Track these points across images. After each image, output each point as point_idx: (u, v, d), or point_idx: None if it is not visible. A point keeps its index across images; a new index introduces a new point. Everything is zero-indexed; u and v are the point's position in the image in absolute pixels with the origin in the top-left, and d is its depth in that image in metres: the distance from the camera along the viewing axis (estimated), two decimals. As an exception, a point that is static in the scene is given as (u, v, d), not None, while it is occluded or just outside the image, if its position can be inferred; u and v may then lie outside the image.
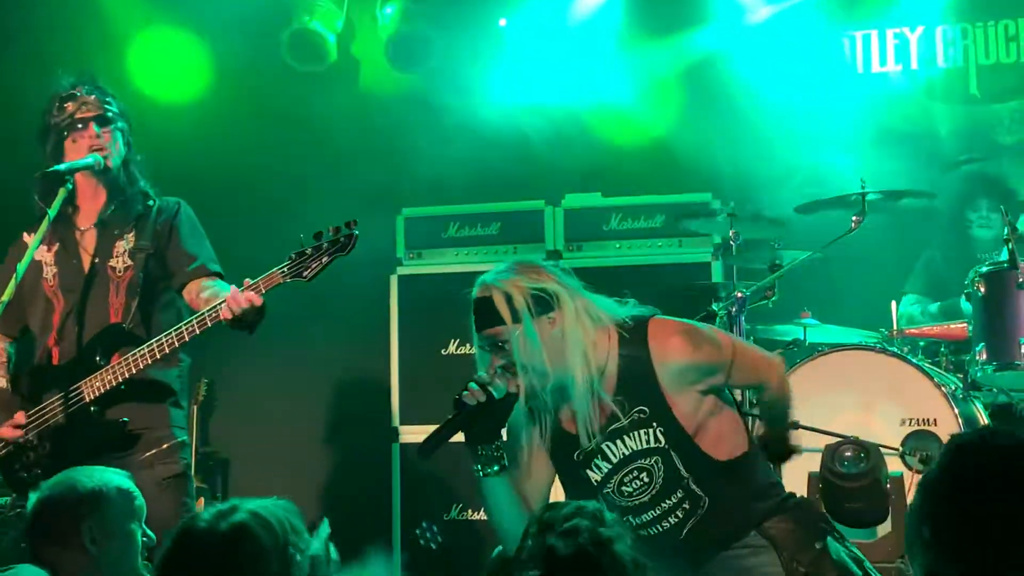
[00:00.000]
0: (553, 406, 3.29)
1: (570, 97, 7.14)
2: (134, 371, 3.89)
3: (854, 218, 5.32)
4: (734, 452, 3.34)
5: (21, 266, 3.89)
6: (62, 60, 6.64)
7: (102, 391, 3.91)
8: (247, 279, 3.80)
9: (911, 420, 5.02)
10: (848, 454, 4.42)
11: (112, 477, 3.13)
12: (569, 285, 3.27)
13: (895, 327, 5.41)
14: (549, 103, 7.01)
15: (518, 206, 6.60)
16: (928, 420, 4.99)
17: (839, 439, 4.55)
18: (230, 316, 3.74)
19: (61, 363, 4.03)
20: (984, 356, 5.05)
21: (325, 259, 3.80)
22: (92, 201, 4.16)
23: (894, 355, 5.15)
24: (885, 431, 4.97)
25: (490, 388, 3.17)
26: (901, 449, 4.90)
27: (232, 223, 6.13)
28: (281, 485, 6.36)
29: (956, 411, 4.94)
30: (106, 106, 4.12)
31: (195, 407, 6.47)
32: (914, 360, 5.14)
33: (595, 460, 3.33)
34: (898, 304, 5.70)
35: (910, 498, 3.95)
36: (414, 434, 6.39)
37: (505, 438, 3.35)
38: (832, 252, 5.53)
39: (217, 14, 6.95)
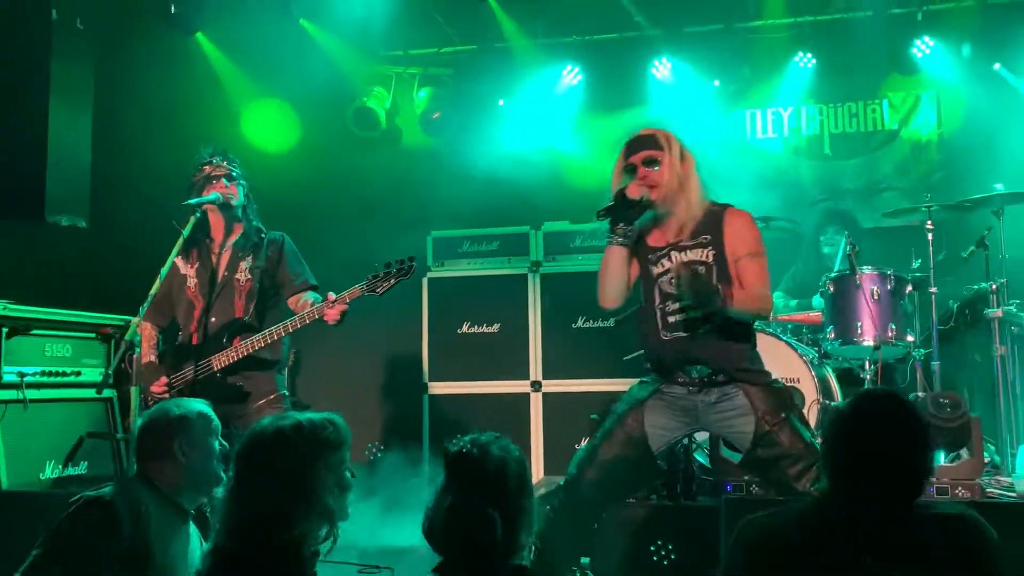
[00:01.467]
0: (652, 219, 3.40)
1: (549, 153, 7.17)
2: (251, 350, 3.95)
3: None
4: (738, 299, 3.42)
5: (164, 269, 3.91)
6: (200, 120, 6.78)
7: (226, 364, 3.97)
8: (331, 293, 3.88)
9: (783, 379, 4.83)
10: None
11: (194, 404, 2.97)
12: (696, 160, 3.45)
13: (771, 315, 5.34)
14: (534, 157, 7.02)
15: (511, 230, 6.60)
16: (794, 379, 4.95)
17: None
18: (333, 322, 3.87)
19: (198, 343, 4.06)
20: (833, 335, 5.05)
21: (393, 281, 3.86)
22: (221, 234, 4.20)
23: (770, 334, 5.12)
24: (764, 387, 5.01)
25: (644, 191, 3.31)
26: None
27: (312, 238, 6.16)
28: (346, 422, 6.51)
29: (813, 373, 4.92)
30: (231, 169, 4.17)
31: (287, 370, 6.53)
32: (784, 337, 5.13)
33: (662, 259, 3.44)
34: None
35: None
36: (439, 388, 6.49)
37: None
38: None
39: (304, 92, 7.02)
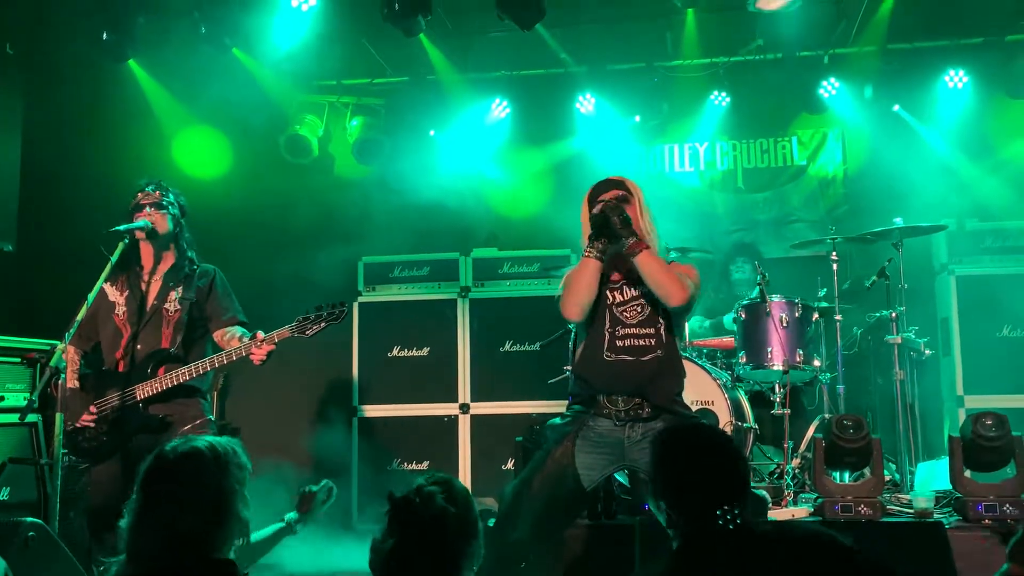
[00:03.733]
0: (619, 248, 3.40)
1: (478, 183, 7.17)
2: (176, 382, 3.85)
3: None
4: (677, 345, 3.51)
5: (91, 295, 3.81)
6: (131, 146, 6.63)
7: (150, 394, 3.86)
8: (259, 332, 3.81)
9: (698, 401, 5.01)
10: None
11: None
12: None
13: (687, 340, 5.48)
14: (463, 186, 6.99)
15: (441, 256, 6.68)
16: (708, 402, 5.00)
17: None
18: (258, 362, 3.80)
19: (123, 372, 3.94)
20: (744, 359, 5.14)
21: (323, 324, 3.81)
22: (152, 262, 4.09)
23: (686, 358, 4.98)
24: (681, 409, 5.07)
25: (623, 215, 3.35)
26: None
27: (244, 264, 6.08)
28: (276, 445, 6.41)
29: (726, 396, 4.98)
30: (163, 198, 4.07)
31: (215, 393, 6.39)
32: (699, 361, 5.17)
33: (618, 290, 3.46)
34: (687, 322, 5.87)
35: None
36: (369, 411, 6.46)
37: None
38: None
39: (236, 120, 6.92)
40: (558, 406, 5.84)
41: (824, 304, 5.34)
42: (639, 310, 3.45)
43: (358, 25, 6.51)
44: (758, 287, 5.04)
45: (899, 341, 5.07)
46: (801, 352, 5.05)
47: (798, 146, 7.22)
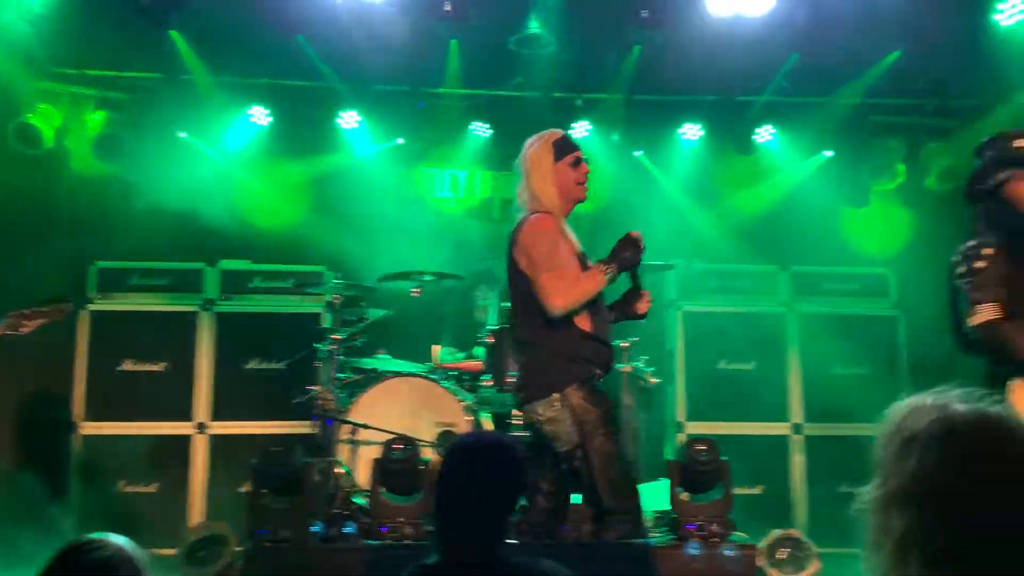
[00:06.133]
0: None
1: (231, 191, 6.83)
2: None
3: (413, 290, 5.55)
4: None
5: None
6: None
7: None
8: None
9: (442, 423, 5.14)
10: (397, 447, 4.38)
11: None
12: None
13: (436, 362, 5.51)
14: (216, 194, 6.60)
15: (184, 265, 6.37)
16: (453, 424, 5.13)
17: (395, 436, 4.65)
18: None
19: None
20: (490, 383, 5.28)
21: (43, 320, 3.57)
22: None
23: (433, 380, 5.27)
24: (426, 431, 5.08)
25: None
26: (436, 442, 5.03)
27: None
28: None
29: (471, 418, 5.12)
30: None
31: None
32: (445, 384, 5.27)
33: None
34: (440, 348, 5.90)
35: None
36: (93, 428, 5.99)
37: None
38: (400, 311, 5.72)
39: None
40: (303, 427, 5.68)
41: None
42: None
43: (107, 13, 6.04)
44: (501, 313, 5.18)
45: (628, 369, 5.43)
46: (544, 377, 5.24)
47: (552, 181, 7.51)
